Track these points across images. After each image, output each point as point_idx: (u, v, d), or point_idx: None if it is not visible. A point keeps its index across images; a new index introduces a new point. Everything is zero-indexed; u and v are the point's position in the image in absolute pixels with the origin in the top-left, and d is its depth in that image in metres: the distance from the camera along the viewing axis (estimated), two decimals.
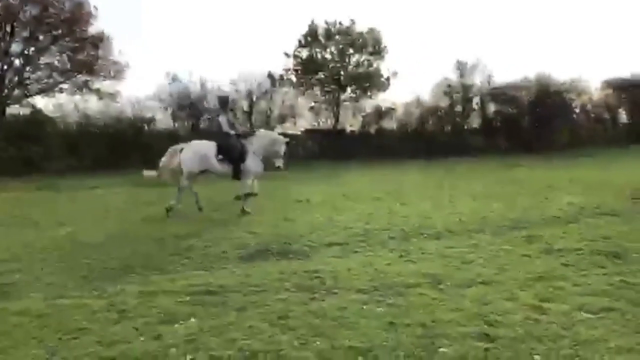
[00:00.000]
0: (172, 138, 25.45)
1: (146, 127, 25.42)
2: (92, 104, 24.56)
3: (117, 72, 24.17)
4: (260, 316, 4.02)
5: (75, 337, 3.79)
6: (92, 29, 23.19)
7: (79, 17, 22.48)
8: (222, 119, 9.61)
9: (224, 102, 10.20)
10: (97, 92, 24.14)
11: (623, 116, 32.51)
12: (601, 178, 13.17)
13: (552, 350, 3.25)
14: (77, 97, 24.10)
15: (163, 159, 9.70)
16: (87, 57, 23.17)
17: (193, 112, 26.48)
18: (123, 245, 6.92)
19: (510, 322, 3.71)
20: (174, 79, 26.75)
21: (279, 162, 9.31)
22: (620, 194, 9.77)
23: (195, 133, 26.54)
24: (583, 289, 4.38)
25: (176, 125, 26.69)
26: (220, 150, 9.30)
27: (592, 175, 13.97)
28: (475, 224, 7.55)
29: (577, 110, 31.17)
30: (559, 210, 8.40)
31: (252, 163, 9.31)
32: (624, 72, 30.05)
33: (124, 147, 22.50)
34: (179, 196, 9.45)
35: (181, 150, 9.54)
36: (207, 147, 9.39)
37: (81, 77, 23.53)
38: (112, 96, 24.63)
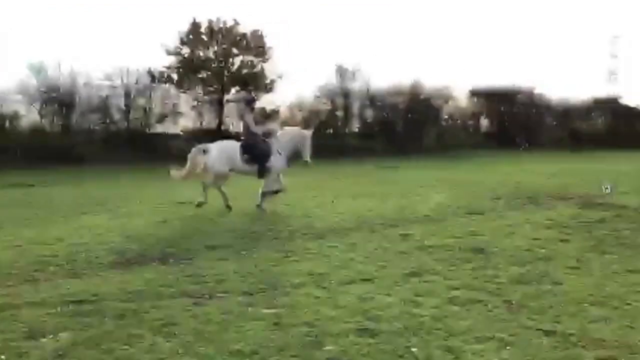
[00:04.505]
0: (39, 135, 23.46)
1: (8, 124, 23.10)
2: None
3: None
4: (141, 324, 3.82)
5: None
6: None
7: None
8: (249, 119, 9.34)
9: (250, 102, 9.80)
10: None
11: (485, 123, 35.81)
12: (466, 179, 14.38)
13: (427, 342, 3.47)
14: None
15: (188, 161, 9.35)
16: None
17: (62, 108, 24.51)
18: None
19: (389, 317, 3.90)
20: (40, 70, 24.52)
21: (306, 156, 9.32)
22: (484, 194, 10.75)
23: (65, 130, 24.65)
24: (452, 282, 4.73)
25: (43, 121, 24.53)
26: (245, 150, 9.09)
27: (458, 177, 15.21)
28: (354, 223, 7.85)
29: (445, 116, 33.80)
30: (429, 209, 9.02)
31: (277, 161, 9.18)
32: (489, 81, 32.90)
33: None
34: (205, 193, 9.17)
35: (204, 151, 9.23)
36: (232, 148, 9.21)
37: None
38: None
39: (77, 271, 5.39)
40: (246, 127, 9.39)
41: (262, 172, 9.20)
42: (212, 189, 9.25)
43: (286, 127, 10.76)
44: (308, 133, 9.69)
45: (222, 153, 9.17)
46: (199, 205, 9.10)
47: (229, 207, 9.15)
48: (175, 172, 9.57)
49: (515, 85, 33.59)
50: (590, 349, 3.34)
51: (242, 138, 9.48)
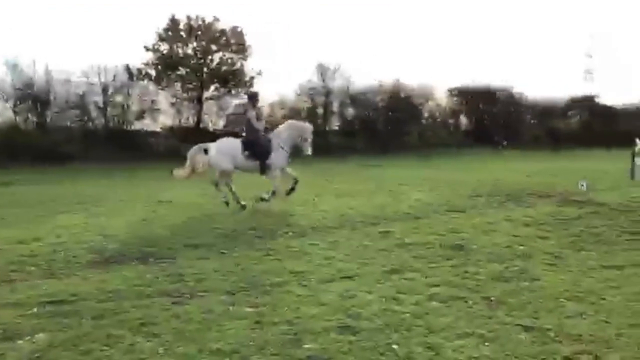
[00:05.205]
0: (14, 133, 22.97)
1: None
2: None
3: None
4: (120, 324, 3.78)
5: None
6: None
7: None
8: (251, 115, 9.24)
9: (252, 97, 9.69)
10: None
11: (464, 121, 36.16)
12: (446, 177, 14.49)
13: (407, 338, 3.50)
14: None
15: (188, 160, 9.27)
16: None
17: (37, 105, 24.06)
18: None
19: (370, 314, 3.92)
20: (14, 67, 24.02)
21: (308, 150, 9.28)
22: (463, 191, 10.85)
23: (41, 128, 24.19)
24: (433, 279, 4.78)
25: (18, 119, 24.07)
26: (246, 146, 9.04)
27: (439, 175, 15.32)
28: (336, 221, 7.86)
29: (425, 115, 34.04)
30: (409, 207, 9.08)
31: (277, 157, 9.12)
32: (469, 80, 33.30)
33: None
34: (222, 190, 9.20)
35: (205, 150, 9.16)
36: (233, 145, 9.15)
37: None
38: None
39: (55, 271, 5.31)
40: (248, 123, 9.35)
41: (264, 168, 9.18)
42: (223, 185, 9.27)
43: (282, 124, 10.64)
44: (308, 126, 9.65)
45: (222, 151, 9.14)
46: (227, 203, 9.08)
47: (242, 207, 9.10)
48: (178, 172, 9.49)
49: (494, 84, 33.99)
50: (567, 343, 3.40)
51: (244, 134, 9.44)
